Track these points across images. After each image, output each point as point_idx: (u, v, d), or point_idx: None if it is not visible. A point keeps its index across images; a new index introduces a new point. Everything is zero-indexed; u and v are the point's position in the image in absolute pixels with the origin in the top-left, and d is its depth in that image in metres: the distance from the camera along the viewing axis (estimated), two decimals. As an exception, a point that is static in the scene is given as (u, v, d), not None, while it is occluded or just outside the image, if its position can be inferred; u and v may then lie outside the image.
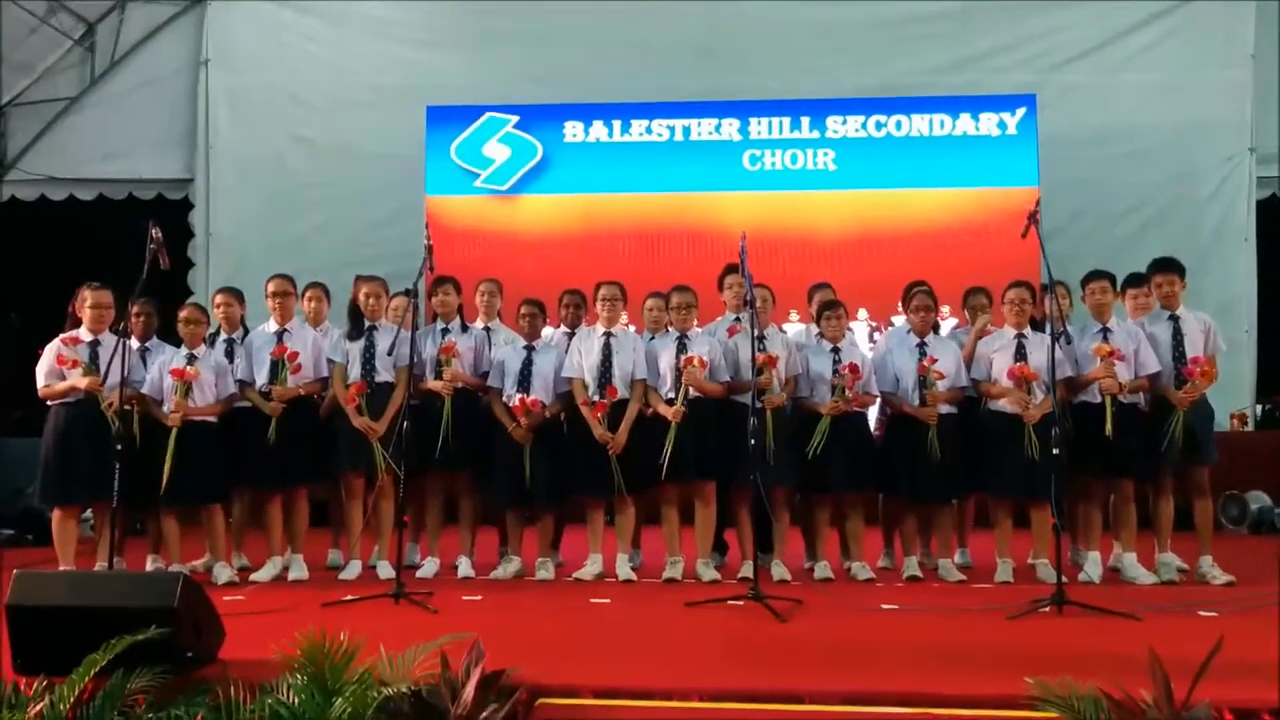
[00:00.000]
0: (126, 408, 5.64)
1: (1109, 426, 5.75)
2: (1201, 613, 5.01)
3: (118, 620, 3.57)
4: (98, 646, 3.44)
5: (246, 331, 6.53)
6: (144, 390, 6.00)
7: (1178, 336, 6.01)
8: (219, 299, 6.49)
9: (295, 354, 6.03)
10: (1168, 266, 6.12)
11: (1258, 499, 8.46)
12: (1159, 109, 10.14)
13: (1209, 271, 9.58)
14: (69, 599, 3.83)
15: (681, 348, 5.99)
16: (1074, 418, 5.96)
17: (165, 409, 5.93)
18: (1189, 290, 6.20)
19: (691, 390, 5.89)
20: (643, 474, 5.97)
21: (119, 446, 5.36)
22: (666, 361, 6.03)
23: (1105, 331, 5.97)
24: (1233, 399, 9.21)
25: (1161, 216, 10.10)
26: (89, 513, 6.34)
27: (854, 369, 5.97)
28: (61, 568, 5.74)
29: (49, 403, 5.94)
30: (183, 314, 6.15)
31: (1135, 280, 6.21)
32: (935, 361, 6.04)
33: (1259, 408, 9.87)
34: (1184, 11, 10.24)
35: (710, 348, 6.03)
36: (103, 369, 5.78)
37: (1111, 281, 6.10)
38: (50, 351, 5.93)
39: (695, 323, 6.22)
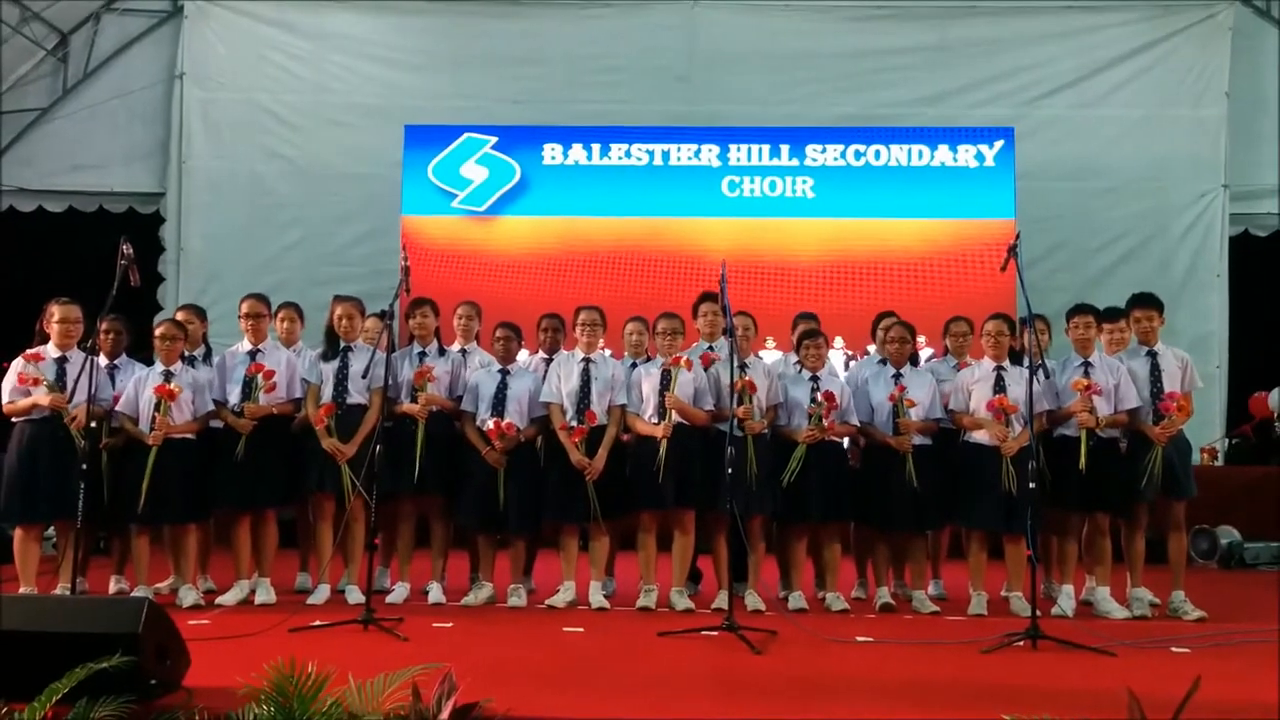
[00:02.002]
0: (93, 425, 5.56)
1: (1083, 460, 5.77)
2: (1174, 649, 5.01)
3: (80, 645, 3.48)
4: (60, 672, 3.35)
5: (209, 349, 6.44)
6: (119, 408, 5.90)
7: (1155, 372, 6.01)
8: (180, 316, 6.42)
9: (271, 372, 5.95)
10: (1146, 302, 6.14)
11: (1227, 534, 8.49)
12: (1135, 145, 10.30)
13: (1182, 307, 9.68)
14: (30, 623, 3.72)
15: (667, 375, 5.94)
16: (1052, 451, 5.95)
17: (142, 426, 5.84)
18: (1163, 326, 6.22)
19: (675, 415, 5.86)
20: (618, 500, 5.94)
21: (84, 465, 5.27)
22: (650, 386, 6.00)
23: (1086, 366, 5.99)
24: (1203, 434, 9.28)
25: (1136, 251, 10.22)
26: (52, 531, 6.22)
27: (830, 397, 5.97)
28: (22, 588, 5.63)
29: (13, 419, 5.83)
30: (159, 330, 6.06)
31: (1110, 315, 6.22)
32: (905, 390, 6.04)
33: (1228, 442, 9.94)
34: (1160, 49, 10.40)
35: (696, 375, 6.00)
36: (69, 385, 5.69)
37: (1095, 316, 6.11)
38: (14, 368, 5.83)
39: (681, 349, 6.17)
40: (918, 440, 6.04)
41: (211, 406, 6.04)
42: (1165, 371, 6.00)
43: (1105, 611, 5.88)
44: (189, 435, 5.93)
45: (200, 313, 6.52)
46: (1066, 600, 5.91)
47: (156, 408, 5.80)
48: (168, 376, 5.88)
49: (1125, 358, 6.09)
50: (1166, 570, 6.06)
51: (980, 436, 5.95)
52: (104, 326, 5.99)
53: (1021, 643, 4.91)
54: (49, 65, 10.77)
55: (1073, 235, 10.19)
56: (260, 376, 5.93)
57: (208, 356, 6.37)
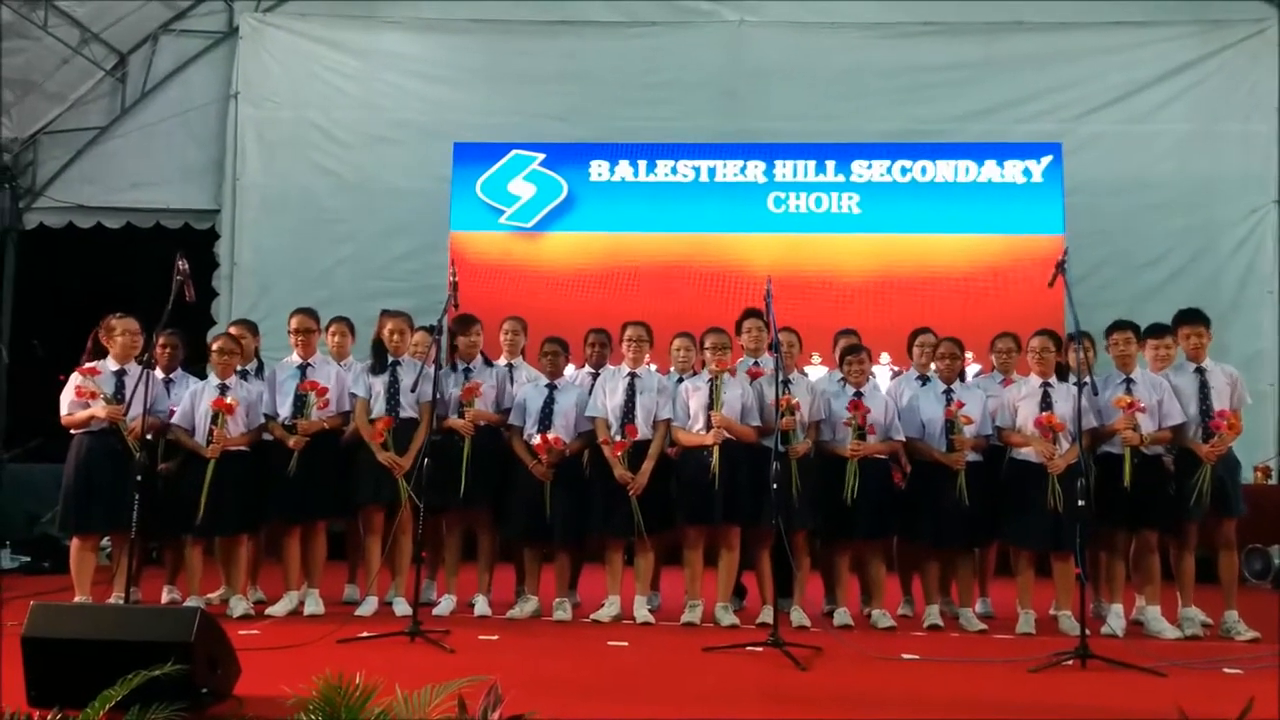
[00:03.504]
0: (148, 437, 5.67)
1: (1127, 478, 5.72)
2: (1226, 670, 4.94)
3: (134, 654, 3.54)
4: (114, 679, 3.39)
5: (261, 364, 6.53)
6: (175, 421, 6.01)
7: (1204, 389, 5.94)
8: (233, 331, 6.51)
9: (325, 389, 6.04)
10: (1194, 318, 6.07)
11: (1282, 554, 8.35)
12: (1184, 160, 10.15)
13: (1233, 324, 9.54)
14: (85, 632, 3.82)
15: (713, 386, 5.94)
16: (1096, 468, 5.89)
17: (198, 439, 5.94)
18: (1213, 342, 6.13)
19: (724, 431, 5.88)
20: (663, 514, 5.96)
21: (139, 476, 5.37)
22: (698, 401, 6.01)
23: (1128, 382, 5.93)
24: (1256, 452, 9.12)
25: (1185, 268, 10.07)
26: (107, 541, 6.34)
27: (857, 405, 5.97)
28: (77, 597, 5.74)
29: (72, 431, 5.95)
30: (215, 345, 6.16)
31: (1157, 331, 6.16)
32: (963, 406, 6.01)
33: (1283, 460, 9.77)
34: (1208, 64, 10.26)
35: (744, 390, 6.02)
36: (127, 398, 5.81)
37: (1135, 332, 6.06)
38: (73, 382, 5.95)
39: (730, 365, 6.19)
40: (970, 457, 6.01)
41: (263, 420, 6.13)
42: (1214, 388, 5.93)
43: (1156, 631, 5.80)
44: (243, 448, 6.03)
45: (253, 327, 6.62)
46: (1116, 619, 5.83)
47: (214, 421, 5.90)
48: (223, 390, 5.99)
49: (1172, 374, 6.03)
50: (1218, 590, 5.97)
51: (1028, 454, 5.91)
52: (161, 341, 6.13)
53: (1070, 662, 4.86)
54: (108, 85, 10.98)
55: (1121, 251, 10.04)
56: (314, 394, 6.01)
57: (260, 371, 6.47)
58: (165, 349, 6.27)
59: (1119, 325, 6.09)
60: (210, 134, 10.93)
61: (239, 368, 6.34)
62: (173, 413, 6.05)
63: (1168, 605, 5.92)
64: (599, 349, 6.55)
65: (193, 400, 6.02)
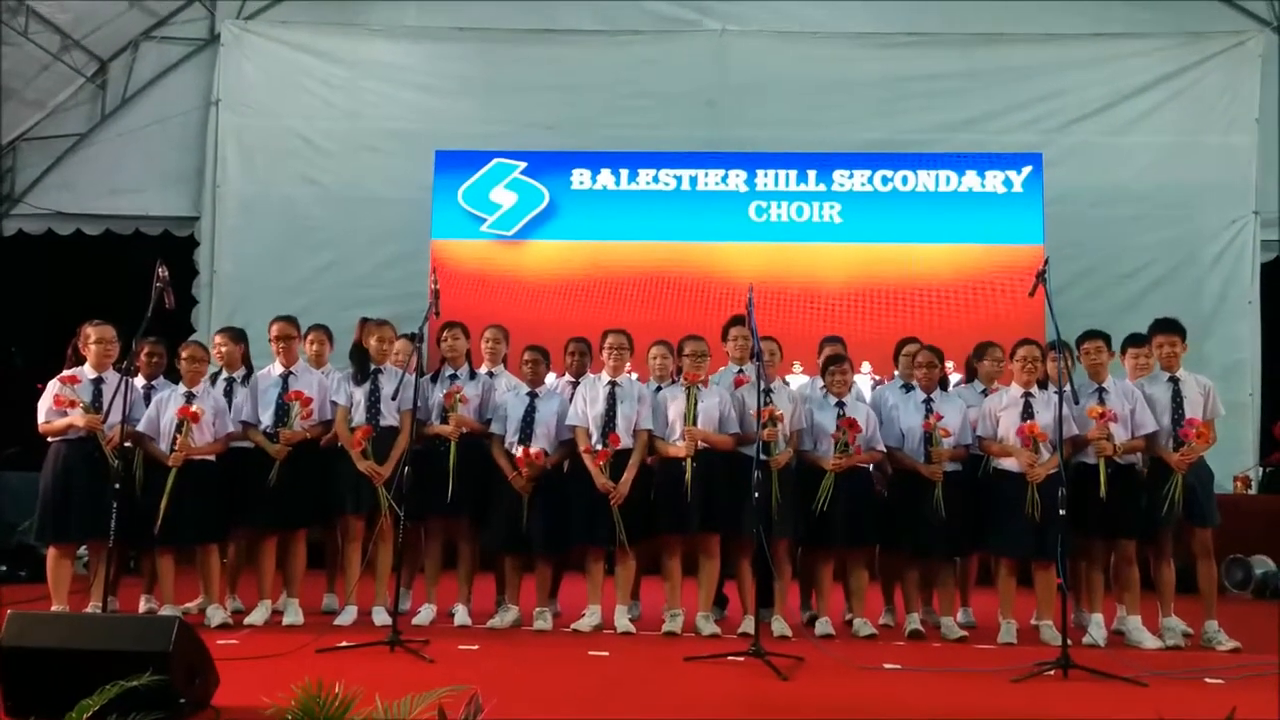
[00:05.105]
0: (127, 445, 5.62)
1: (1103, 488, 5.73)
2: (1208, 680, 4.95)
3: (112, 663, 3.51)
4: (91, 689, 3.37)
5: (249, 370, 6.50)
6: (140, 428, 5.94)
7: (1177, 398, 5.96)
8: (218, 339, 6.46)
9: (309, 399, 6.00)
10: (1168, 327, 6.09)
11: (1262, 563, 8.37)
12: (1164, 171, 10.27)
13: (1213, 334, 9.63)
14: (63, 641, 3.78)
15: (692, 399, 5.93)
16: (1071, 479, 5.90)
17: (162, 447, 5.89)
18: (1193, 352, 6.18)
19: (699, 442, 5.87)
20: (643, 524, 5.94)
21: (117, 485, 5.32)
22: (676, 410, 6.00)
23: (1100, 392, 5.94)
24: (1236, 462, 9.18)
25: (1166, 278, 10.17)
26: (84, 550, 6.27)
27: (852, 424, 5.95)
28: (54, 606, 5.68)
29: (49, 439, 5.89)
30: (184, 352, 6.11)
31: (1136, 340, 6.19)
32: (941, 418, 6.01)
33: (1262, 470, 9.82)
34: (1190, 75, 10.38)
35: (721, 399, 6.01)
36: (105, 406, 5.76)
37: (1106, 341, 6.09)
38: (51, 389, 5.90)
39: (707, 373, 6.18)
40: (948, 466, 6.01)
41: (232, 428, 6.07)
42: (1187, 398, 5.94)
43: (1137, 641, 5.81)
44: (209, 457, 5.97)
45: (237, 335, 6.58)
46: (1097, 629, 5.84)
47: (178, 429, 5.85)
48: (189, 398, 5.94)
49: (1146, 384, 6.06)
50: (1198, 600, 5.98)
51: (1009, 464, 5.91)
52: (145, 349, 6.11)
53: (1052, 672, 4.86)
54: (88, 92, 10.96)
55: (1102, 262, 10.14)
56: (298, 404, 5.98)
57: (247, 378, 6.40)
58: (150, 357, 6.23)
59: (1090, 335, 6.11)
60: (191, 141, 10.92)
61: (226, 375, 6.30)
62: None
63: (1148, 615, 5.93)
64: (579, 357, 6.53)
65: (158, 408, 5.96)
